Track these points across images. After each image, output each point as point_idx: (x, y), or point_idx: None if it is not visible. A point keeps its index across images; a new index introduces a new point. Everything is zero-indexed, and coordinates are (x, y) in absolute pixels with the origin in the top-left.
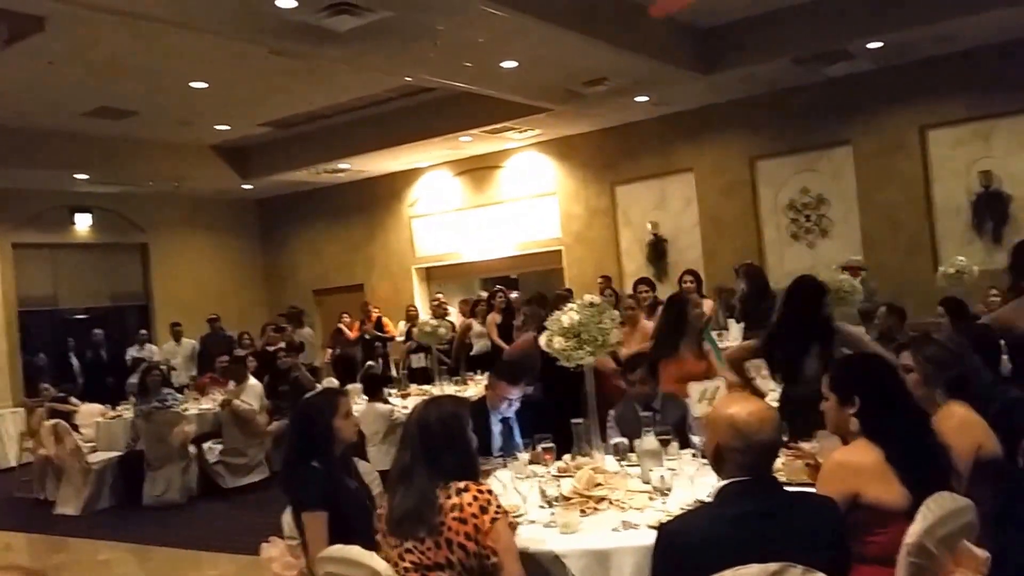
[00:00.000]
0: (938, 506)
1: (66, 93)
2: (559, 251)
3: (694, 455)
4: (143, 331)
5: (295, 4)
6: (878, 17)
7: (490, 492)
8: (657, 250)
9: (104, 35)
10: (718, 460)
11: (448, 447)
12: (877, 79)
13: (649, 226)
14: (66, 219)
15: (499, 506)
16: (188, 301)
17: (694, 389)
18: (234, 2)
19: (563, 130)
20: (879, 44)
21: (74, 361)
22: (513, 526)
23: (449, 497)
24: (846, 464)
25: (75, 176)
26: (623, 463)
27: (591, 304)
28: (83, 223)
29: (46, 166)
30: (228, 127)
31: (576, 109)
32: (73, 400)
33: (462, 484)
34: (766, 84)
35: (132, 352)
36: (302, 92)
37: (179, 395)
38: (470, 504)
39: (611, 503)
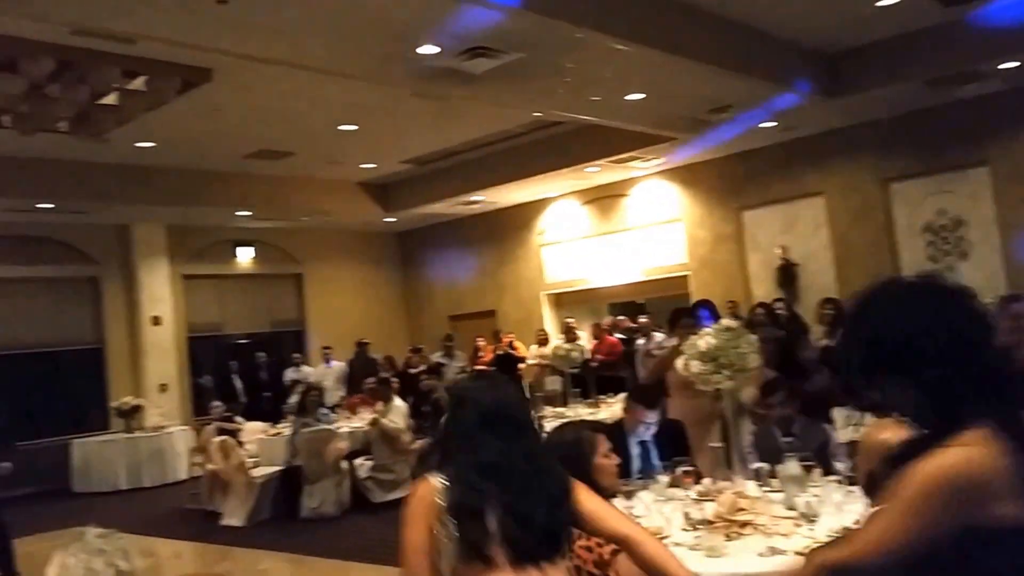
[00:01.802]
0: None
1: (230, 137)
2: (685, 276)
3: (839, 481)
4: (297, 354)
5: (437, 50)
6: (1011, 38)
7: None
8: (787, 274)
9: (264, 84)
10: (871, 487)
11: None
12: (1011, 99)
13: (778, 250)
14: (230, 252)
15: None
16: (337, 326)
17: (839, 414)
18: (381, 51)
19: (688, 157)
20: (1014, 64)
21: (237, 383)
22: None
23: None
24: None
25: (238, 213)
26: (764, 488)
27: (727, 328)
28: (245, 256)
29: (213, 204)
30: (374, 165)
31: (701, 137)
32: (238, 419)
33: None
34: (897, 106)
35: (290, 374)
36: (440, 130)
37: (332, 414)
38: None
39: (755, 528)
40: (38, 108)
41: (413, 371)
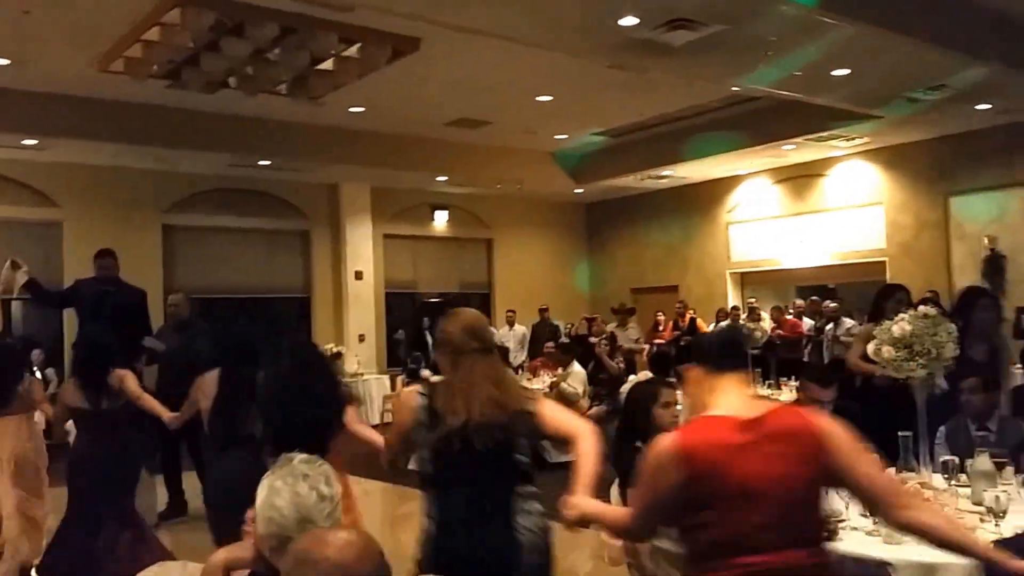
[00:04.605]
0: None
1: (432, 105)
2: (883, 262)
3: None
4: None
5: (636, 22)
6: None
7: None
8: (994, 266)
9: (468, 54)
10: None
11: None
12: None
13: (985, 240)
14: (427, 215)
15: None
16: (521, 291)
17: None
18: (583, 23)
19: (894, 138)
20: None
21: (428, 338)
22: (832, 531)
23: None
24: None
25: (436, 178)
26: (952, 482)
27: (925, 315)
28: (440, 219)
29: (414, 168)
30: (566, 136)
31: (910, 116)
32: (425, 372)
33: None
34: None
35: None
36: (633, 103)
37: (516, 374)
38: None
39: None
40: (261, 71)
41: (594, 340)
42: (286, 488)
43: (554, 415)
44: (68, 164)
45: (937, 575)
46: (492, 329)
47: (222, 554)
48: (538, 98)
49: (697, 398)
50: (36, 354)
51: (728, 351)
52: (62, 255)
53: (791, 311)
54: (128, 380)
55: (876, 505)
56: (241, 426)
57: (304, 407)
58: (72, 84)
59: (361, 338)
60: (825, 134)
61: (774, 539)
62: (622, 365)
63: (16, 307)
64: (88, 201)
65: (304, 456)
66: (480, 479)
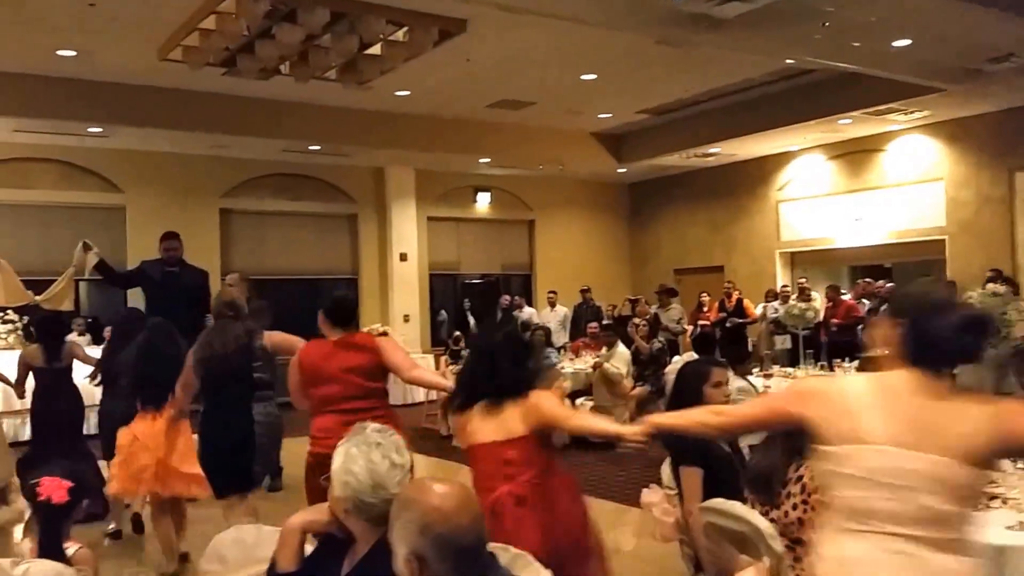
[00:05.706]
0: None
1: (477, 87)
2: (942, 240)
3: None
4: (516, 297)
5: None
6: None
7: None
8: None
9: (513, 34)
10: None
11: None
12: None
13: None
14: (469, 197)
15: None
16: (563, 272)
17: None
18: None
19: (956, 111)
20: None
21: (470, 318)
22: None
23: (812, 478)
24: None
25: (479, 160)
26: (1019, 466)
27: (994, 294)
28: (483, 201)
29: (457, 151)
30: (610, 115)
31: (974, 88)
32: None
33: None
34: None
35: (524, 314)
36: (680, 79)
37: (557, 354)
38: None
39: (1004, 502)
40: (312, 57)
41: (636, 320)
42: (360, 456)
43: (275, 338)
44: (131, 151)
45: (1004, 558)
46: (531, 310)
47: (299, 517)
48: (583, 77)
49: (325, 334)
50: (77, 323)
51: (342, 317)
52: (126, 238)
53: (846, 293)
54: (76, 348)
55: (395, 373)
56: (120, 378)
57: (150, 371)
58: (134, 74)
59: (406, 318)
60: (883, 107)
61: (345, 395)
62: (657, 345)
63: (83, 287)
64: (150, 186)
65: (376, 426)
66: (231, 386)
